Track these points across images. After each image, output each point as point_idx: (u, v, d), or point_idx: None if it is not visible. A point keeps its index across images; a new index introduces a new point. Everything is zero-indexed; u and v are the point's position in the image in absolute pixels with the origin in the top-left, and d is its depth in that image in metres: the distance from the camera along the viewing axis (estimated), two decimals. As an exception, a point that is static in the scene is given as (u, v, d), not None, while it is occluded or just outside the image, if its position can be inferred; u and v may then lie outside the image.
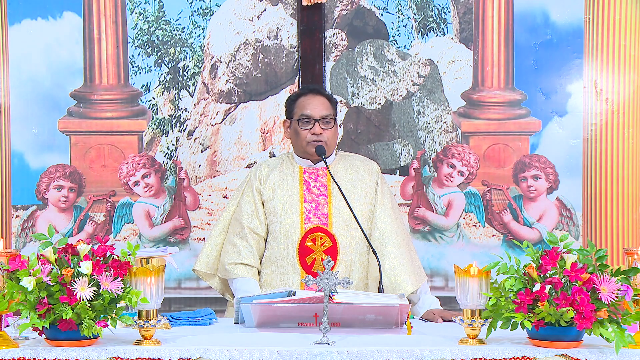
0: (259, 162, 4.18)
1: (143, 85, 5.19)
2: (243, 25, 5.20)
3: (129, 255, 2.97)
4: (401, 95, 5.18)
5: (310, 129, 3.80)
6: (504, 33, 5.15)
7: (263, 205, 3.86)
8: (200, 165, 5.19)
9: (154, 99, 5.19)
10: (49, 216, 5.15)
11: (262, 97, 5.19)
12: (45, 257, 2.90)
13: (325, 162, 3.79)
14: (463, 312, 2.97)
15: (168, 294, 4.94)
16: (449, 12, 5.16)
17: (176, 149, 5.19)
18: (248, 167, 5.12)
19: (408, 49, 5.18)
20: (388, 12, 5.18)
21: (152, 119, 5.19)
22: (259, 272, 3.83)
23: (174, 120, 5.19)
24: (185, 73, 5.19)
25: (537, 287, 2.85)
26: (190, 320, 3.40)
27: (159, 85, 5.19)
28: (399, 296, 3.35)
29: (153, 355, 2.85)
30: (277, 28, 5.19)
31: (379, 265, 3.65)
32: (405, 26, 5.18)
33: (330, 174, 3.79)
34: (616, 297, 2.85)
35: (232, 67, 5.19)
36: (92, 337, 2.85)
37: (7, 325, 3.09)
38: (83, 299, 2.81)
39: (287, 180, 3.86)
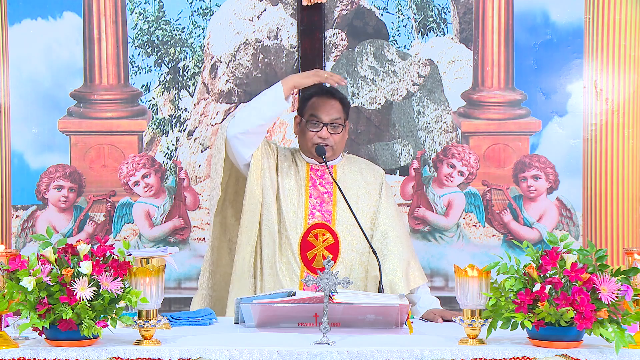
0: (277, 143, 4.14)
1: (143, 85, 5.19)
2: (243, 25, 5.20)
3: (128, 254, 2.97)
4: (401, 95, 5.18)
5: (318, 131, 3.80)
6: (504, 33, 5.15)
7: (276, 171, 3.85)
8: (200, 165, 5.19)
9: (154, 99, 5.19)
10: (49, 216, 5.15)
11: (262, 97, 5.18)
12: (45, 257, 2.90)
13: (326, 163, 3.79)
14: (463, 312, 2.97)
15: (168, 294, 4.93)
16: (449, 12, 5.16)
17: (176, 149, 5.19)
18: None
19: (408, 49, 5.18)
20: (388, 12, 5.18)
21: (152, 119, 5.19)
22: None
23: (174, 120, 5.19)
24: (185, 73, 5.19)
25: (537, 287, 2.85)
26: (190, 320, 3.40)
27: (159, 85, 5.19)
28: (399, 296, 3.35)
29: (153, 355, 2.85)
30: (277, 28, 5.19)
31: (379, 265, 3.66)
32: (405, 26, 5.18)
33: (330, 174, 3.79)
34: (616, 297, 2.85)
35: (232, 67, 5.19)
36: (92, 337, 2.85)
37: (7, 325, 3.08)
38: (83, 299, 2.81)
39: (296, 173, 3.86)
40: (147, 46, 5.19)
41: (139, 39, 5.18)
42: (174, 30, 5.19)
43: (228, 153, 3.79)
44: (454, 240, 5.15)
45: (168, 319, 3.33)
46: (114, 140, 5.19)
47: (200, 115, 5.19)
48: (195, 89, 5.20)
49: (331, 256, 3.31)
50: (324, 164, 3.82)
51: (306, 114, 3.84)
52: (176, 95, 5.20)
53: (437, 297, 3.83)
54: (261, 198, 3.79)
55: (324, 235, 3.80)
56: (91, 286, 2.84)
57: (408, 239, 3.93)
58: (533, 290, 2.86)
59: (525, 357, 2.86)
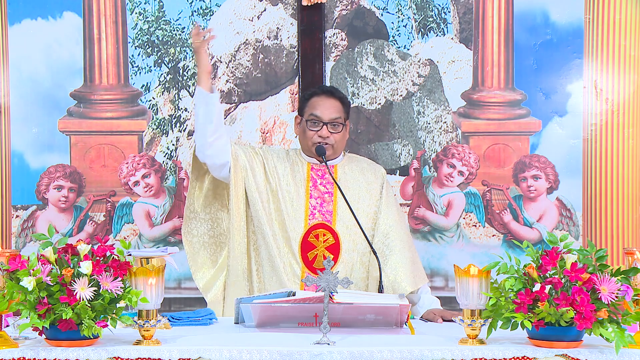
0: (266, 146, 4.17)
1: (143, 85, 5.19)
2: (243, 25, 5.20)
3: (128, 254, 2.97)
4: (401, 95, 5.18)
5: (318, 131, 3.81)
6: (504, 33, 5.15)
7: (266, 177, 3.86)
8: (200, 165, 5.19)
9: (154, 99, 5.19)
10: (49, 216, 5.15)
11: (262, 97, 5.19)
12: (45, 257, 2.90)
13: (325, 163, 3.80)
14: (463, 312, 2.97)
15: (168, 294, 4.93)
16: (449, 12, 5.16)
17: (176, 149, 5.19)
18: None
19: (408, 49, 5.18)
20: (388, 12, 5.18)
21: (152, 119, 5.19)
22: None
23: (174, 120, 5.19)
24: (185, 73, 5.19)
25: (537, 287, 2.86)
26: (190, 320, 3.40)
27: (159, 85, 5.19)
28: (399, 296, 3.35)
29: (153, 355, 2.85)
30: (277, 28, 5.19)
31: (379, 265, 3.66)
32: (405, 26, 5.18)
33: (330, 174, 3.79)
34: (616, 297, 2.85)
35: (232, 67, 5.19)
36: (92, 337, 2.85)
37: (7, 325, 3.09)
38: (83, 299, 2.81)
39: (295, 173, 3.87)
40: (147, 46, 5.19)
41: (139, 39, 5.18)
42: (174, 30, 5.19)
43: (215, 176, 3.88)
44: (454, 240, 5.15)
45: (168, 319, 3.33)
46: (114, 140, 5.19)
47: (200, 115, 5.19)
48: (195, 89, 5.19)
49: (332, 256, 3.31)
50: (330, 161, 3.83)
51: (306, 114, 3.85)
52: (176, 95, 5.20)
53: (437, 297, 3.83)
54: (244, 204, 3.81)
55: (324, 235, 3.80)
56: (91, 286, 2.84)
57: (410, 239, 3.93)
58: (533, 290, 2.86)
59: (525, 357, 2.86)
